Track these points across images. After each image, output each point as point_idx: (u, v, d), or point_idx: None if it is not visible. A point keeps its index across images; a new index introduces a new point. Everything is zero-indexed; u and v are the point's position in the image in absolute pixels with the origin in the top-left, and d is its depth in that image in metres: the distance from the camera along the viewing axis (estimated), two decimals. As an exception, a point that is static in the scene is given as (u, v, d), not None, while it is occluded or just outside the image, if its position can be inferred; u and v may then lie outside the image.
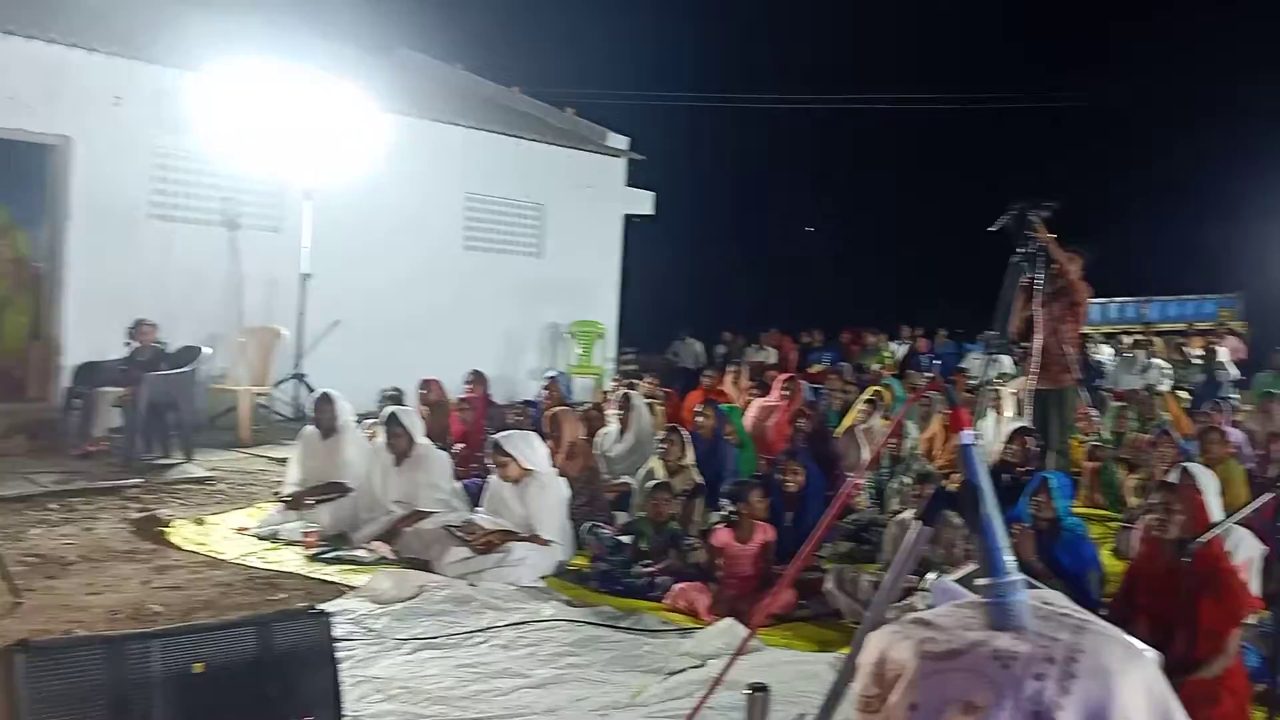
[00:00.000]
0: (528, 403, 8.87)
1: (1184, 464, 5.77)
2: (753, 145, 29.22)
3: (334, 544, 6.36)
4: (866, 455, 7.93)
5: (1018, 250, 7.23)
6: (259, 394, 10.26)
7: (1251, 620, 4.47)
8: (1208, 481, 5.28)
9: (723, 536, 5.60)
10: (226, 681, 2.90)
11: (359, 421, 7.51)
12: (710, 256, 27.51)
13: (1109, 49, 30.90)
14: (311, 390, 9.03)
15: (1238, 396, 13.08)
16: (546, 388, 8.97)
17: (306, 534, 6.34)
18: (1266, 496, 2.67)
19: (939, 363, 17.78)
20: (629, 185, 15.11)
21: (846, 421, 9.59)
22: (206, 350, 9.35)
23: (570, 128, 15.17)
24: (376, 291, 11.64)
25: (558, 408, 7.57)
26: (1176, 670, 3.88)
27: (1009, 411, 9.89)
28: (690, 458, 6.89)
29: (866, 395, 9.80)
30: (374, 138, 11.14)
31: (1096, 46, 31.64)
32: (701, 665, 4.51)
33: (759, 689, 1.92)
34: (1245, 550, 4.90)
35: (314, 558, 6.14)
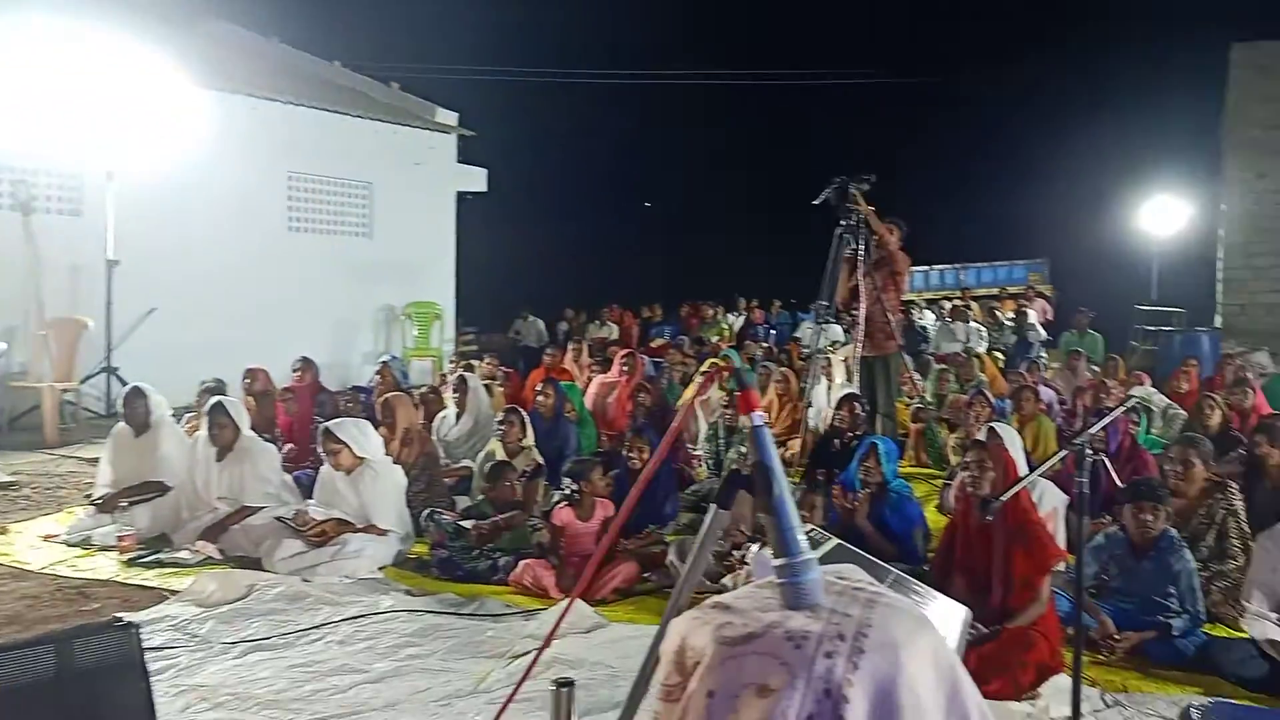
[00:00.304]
0: (358, 389, 8.59)
1: (992, 423, 6.10)
2: (588, 121, 29.17)
3: (153, 547, 5.99)
4: (704, 427, 8.05)
5: (840, 222, 7.51)
6: (65, 390, 9.55)
7: (1060, 568, 4.78)
8: (1014, 439, 5.62)
9: (564, 515, 5.57)
10: (23, 706, 2.66)
11: (177, 416, 7.09)
12: (548, 233, 27.36)
13: (922, 26, 32.35)
14: (124, 384, 8.46)
15: (1046, 356, 13.99)
16: (379, 373, 8.71)
17: (122, 538, 5.94)
18: (1063, 453, 2.82)
19: (774, 332, 18.38)
20: (461, 162, 14.79)
21: (686, 394, 9.72)
22: (1, 345, 8.63)
23: (397, 103, 14.72)
24: (195, 277, 11.04)
25: (391, 393, 7.35)
26: (995, 619, 4.13)
27: (839, 378, 10.25)
28: (530, 438, 6.81)
29: (704, 368, 9.96)
30: (185, 115, 10.51)
31: (911, 24, 33.09)
32: (546, 647, 4.48)
33: (565, 684, 1.88)
34: (1050, 501, 5.23)
35: (131, 562, 5.77)
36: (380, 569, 5.71)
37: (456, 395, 7.97)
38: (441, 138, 14.40)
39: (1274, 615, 4.05)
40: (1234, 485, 5.28)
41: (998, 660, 3.88)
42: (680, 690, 1.35)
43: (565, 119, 28.08)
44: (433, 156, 14.21)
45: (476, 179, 15.00)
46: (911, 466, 8.63)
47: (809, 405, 8.63)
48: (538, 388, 8.14)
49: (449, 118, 14.57)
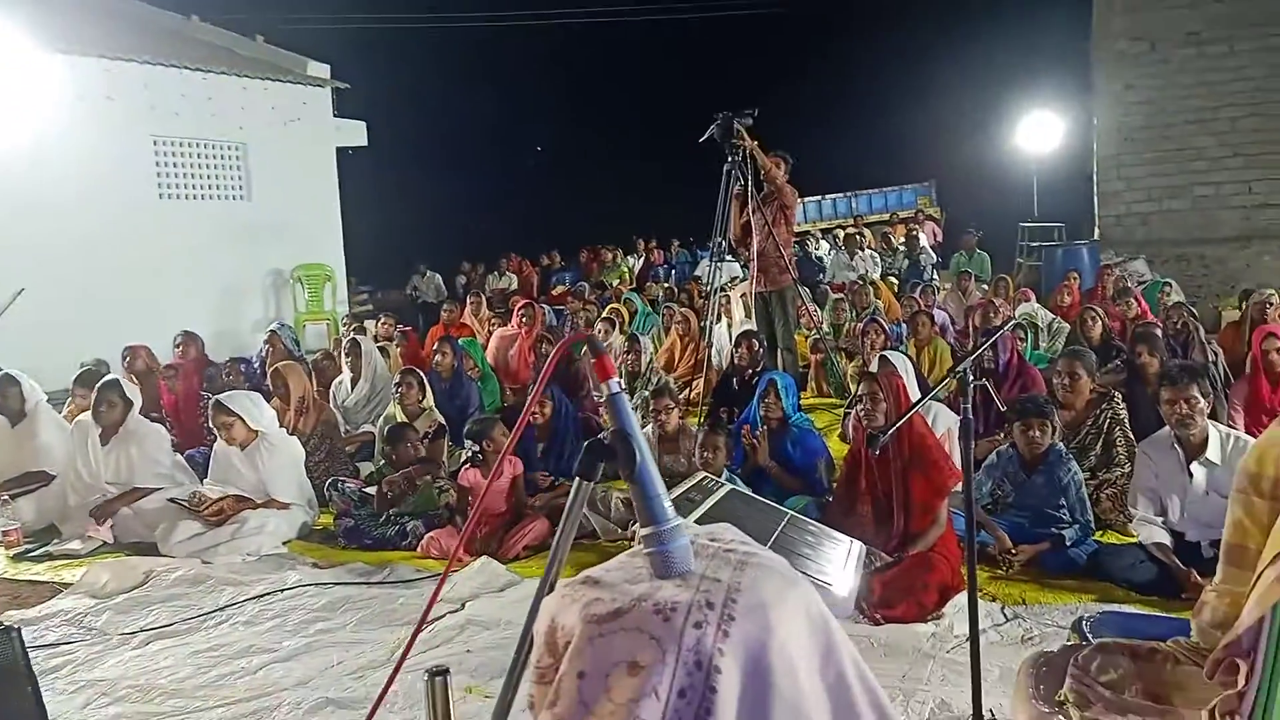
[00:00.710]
0: (244, 360, 8.28)
1: (883, 352, 6.20)
2: (470, 67, 28.45)
3: (40, 539, 5.80)
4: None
5: (728, 158, 7.49)
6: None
7: (958, 489, 4.91)
8: (906, 365, 5.73)
9: (470, 475, 5.49)
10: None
11: (57, 402, 6.75)
12: (438, 184, 26.76)
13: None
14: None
15: (938, 278, 14.32)
16: (268, 341, 8.40)
17: (6, 532, 5.72)
18: (945, 380, 2.85)
19: (674, 272, 18.40)
20: (337, 116, 14.25)
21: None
22: None
23: (264, 57, 14.04)
24: (63, 255, 10.45)
25: (281, 362, 7.11)
26: (899, 544, 4.23)
27: (738, 315, 10.32)
28: (429, 398, 6.68)
29: (604, 314, 9.91)
30: (34, 80, 9.84)
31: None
32: (459, 609, 4.44)
33: (439, 673, 1.83)
34: (944, 423, 5.36)
35: (19, 557, 5.56)
36: (284, 544, 5.59)
37: (350, 359, 7.76)
38: (315, 92, 13.81)
39: (1158, 519, 4.22)
40: (1118, 394, 5.48)
41: (901, 584, 3.97)
42: (553, 672, 1.32)
43: (445, 66, 27.36)
44: (307, 112, 13.63)
45: (356, 133, 14.50)
46: (814, 397, 8.76)
47: (710, 344, 8.67)
48: (435, 346, 7.97)
49: (321, 70, 13.97)
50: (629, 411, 1.49)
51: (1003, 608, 4.05)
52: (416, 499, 5.70)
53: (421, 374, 6.76)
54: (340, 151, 14.43)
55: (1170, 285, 10.09)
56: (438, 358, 7.71)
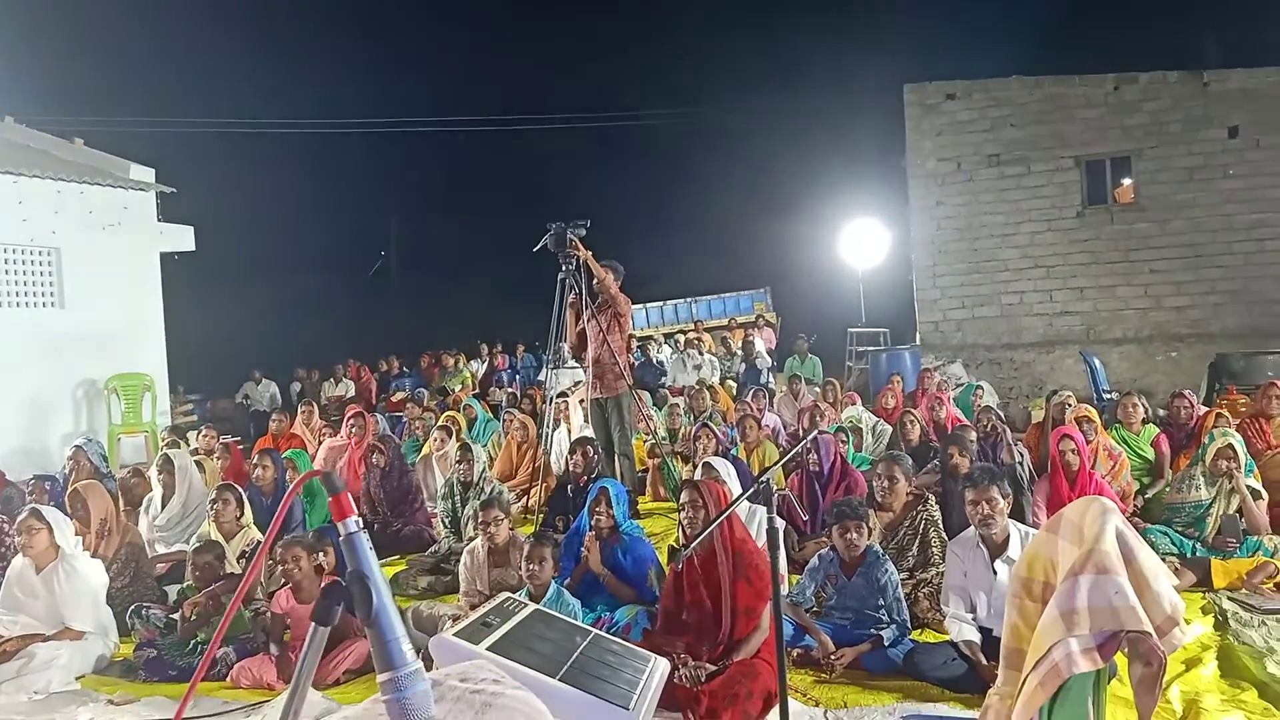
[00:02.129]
0: (41, 477, 7.69)
1: (707, 459, 6.30)
2: (309, 171, 28.10)
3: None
4: (440, 482, 7.83)
5: (562, 267, 7.60)
6: None
7: (782, 592, 4.96)
8: (730, 471, 5.83)
9: (284, 600, 5.20)
10: None
11: None
12: (273, 289, 26.04)
13: (643, 70, 33.69)
14: None
15: (774, 382, 14.77)
16: (72, 458, 7.84)
17: None
18: (749, 491, 2.90)
19: (518, 377, 18.33)
20: (163, 220, 13.72)
21: (425, 449, 9.45)
22: None
23: (82, 160, 13.48)
24: None
25: (83, 481, 6.63)
26: (725, 652, 4.22)
27: (577, 421, 10.31)
28: (249, 515, 6.34)
29: (440, 422, 9.73)
30: None
31: (634, 68, 34.37)
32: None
33: None
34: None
35: None
36: (77, 679, 5.13)
37: (162, 476, 7.30)
38: (137, 195, 13.28)
39: (969, 617, 4.36)
40: (932, 496, 5.71)
41: (726, 693, 3.94)
42: None
43: (283, 170, 26.94)
44: (128, 216, 13.06)
45: (183, 238, 13.96)
46: (652, 502, 8.80)
47: (548, 451, 8.62)
48: (255, 459, 7.62)
49: (145, 174, 13.48)
50: (367, 552, 1.43)
51: (825, 712, 4.08)
52: (228, 625, 5.34)
53: (239, 490, 6.41)
54: (166, 257, 13.86)
55: (983, 387, 10.69)
56: (258, 471, 7.39)
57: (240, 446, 10.25)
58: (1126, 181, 14.73)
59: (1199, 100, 13.98)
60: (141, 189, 13.31)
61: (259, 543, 6.20)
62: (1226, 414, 7.09)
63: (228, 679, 4.97)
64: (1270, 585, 5.22)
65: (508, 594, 2.60)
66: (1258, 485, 5.93)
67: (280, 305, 25.90)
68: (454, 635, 2.13)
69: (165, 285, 13.75)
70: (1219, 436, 5.82)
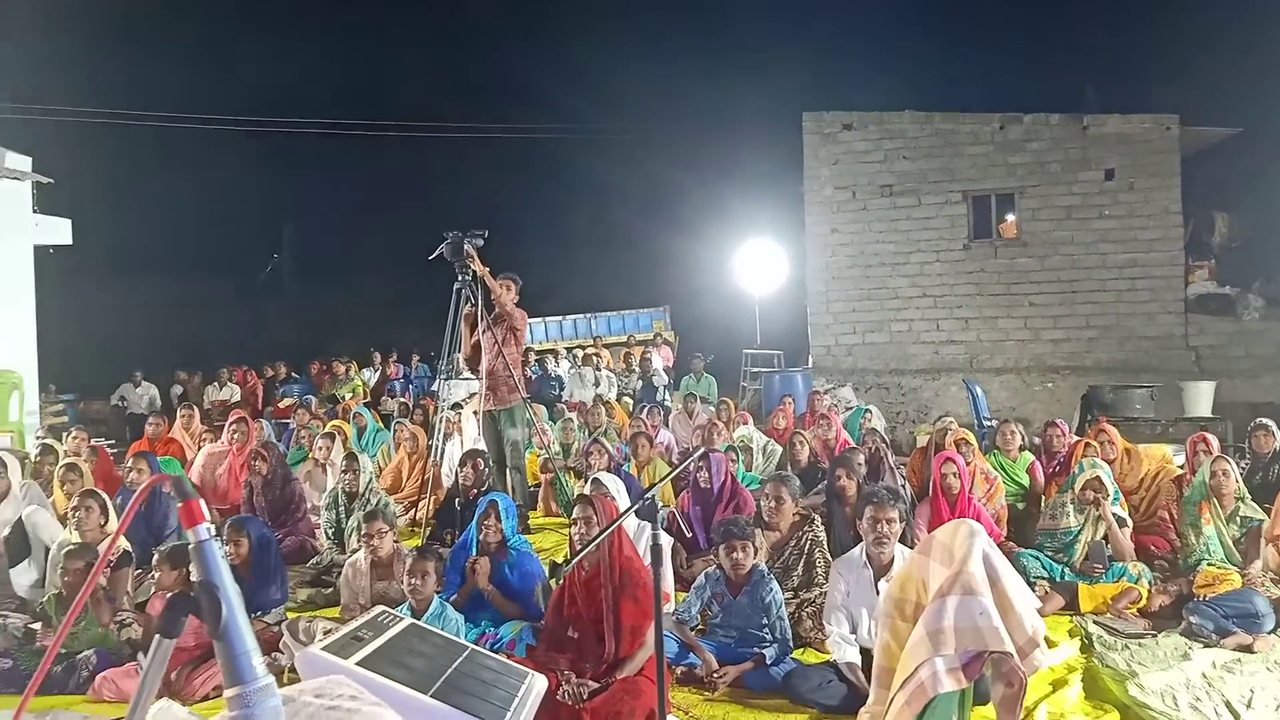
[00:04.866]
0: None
1: (597, 474, 6.30)
2: (196, 167, 27.14)
3: None
4: (326, 491, 7.63)
5: (459, 277, 7.51)
6: None
7: (668, 609, 4.97)
8: (618, 487, 5.84)
9: (158, 605, 4.98)
10: None
11: None
12: (155, 287, 25.02)
13: (545, 85, 33.68)
14: None
15: (670, 399, 14.86)
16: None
17: None
18: (632, 508, 2.90)
19: (412, 387, 18.01)
20: (38, 211, 13.09)
21: (311, 456, 9.19)
22: None
23: (-46, 147, 12.79)
24: None
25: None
26: (610, 669, 4.20)
27: (470, 433, 10.18)
28: (114, 522, 6.05)
29: (325, 429, 9.49)
30: None
31: (537, 82, 34.32)
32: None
33: None
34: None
35: None
36: (-75, 691, 4.81)
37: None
38: (11, 184, 12.63)
39: (851, 637, 4.42)
40: (818, 517, 5.80)
41: (609, 710, 3.93)
42: None
43: (167, 165, 25.97)
44: (1, 205, 12.43)
45: (59, 231, 13.33)
46: (544, 517, 8.73)
47: (439, 463, 8.48)
48: (130, 463, 7.30)
49: (21, 163, 12.83)
50: (216, 561, 1.37)
51: (707, 731, 4.09)
52: (91, 635, 5.09)
53: (104, 496, 6.12)
54: (41, 250, 13.21)
55: (871, 411, 10.95)
56: (133, 475, 7.09)
57: (113, 451, 9.81)
58: (1010, 217, 15.34)
59: (1078, 143, 14.66)
60: (16, 178, 12.67)
61: (124, 550, 5.91)
62: (1096, 444, 7.42)
63: (89, 691, 4.73)
64: (1133, 610, 5.46)
65: (383, 608, 2.53)
66: (1124, 514, 6.20)
67: (163, 305, 24.92)
68: (323, 650, 2.06)
69: (39, 279, 13.12)
70: (1088, 467, 6.07)
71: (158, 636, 1.38)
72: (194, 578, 1.34)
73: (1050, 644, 4.21)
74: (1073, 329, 14.74)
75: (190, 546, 1.35)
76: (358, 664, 1.97)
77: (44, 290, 13.22)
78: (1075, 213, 14.67)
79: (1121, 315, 14.54)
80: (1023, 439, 8.01)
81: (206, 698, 4.64)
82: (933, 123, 15.33)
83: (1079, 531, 5.93)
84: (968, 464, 6.57)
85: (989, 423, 11.35)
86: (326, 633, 4.76)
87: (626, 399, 14.82)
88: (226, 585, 1.32)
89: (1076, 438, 8.15)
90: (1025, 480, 7.64)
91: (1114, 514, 5.95)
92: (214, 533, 1.33)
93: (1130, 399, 11.32)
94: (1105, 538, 5.88)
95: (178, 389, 17.92)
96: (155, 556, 5.12)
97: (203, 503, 1.34)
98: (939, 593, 1.88)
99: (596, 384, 15.43)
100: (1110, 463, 7.04)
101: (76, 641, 5.08)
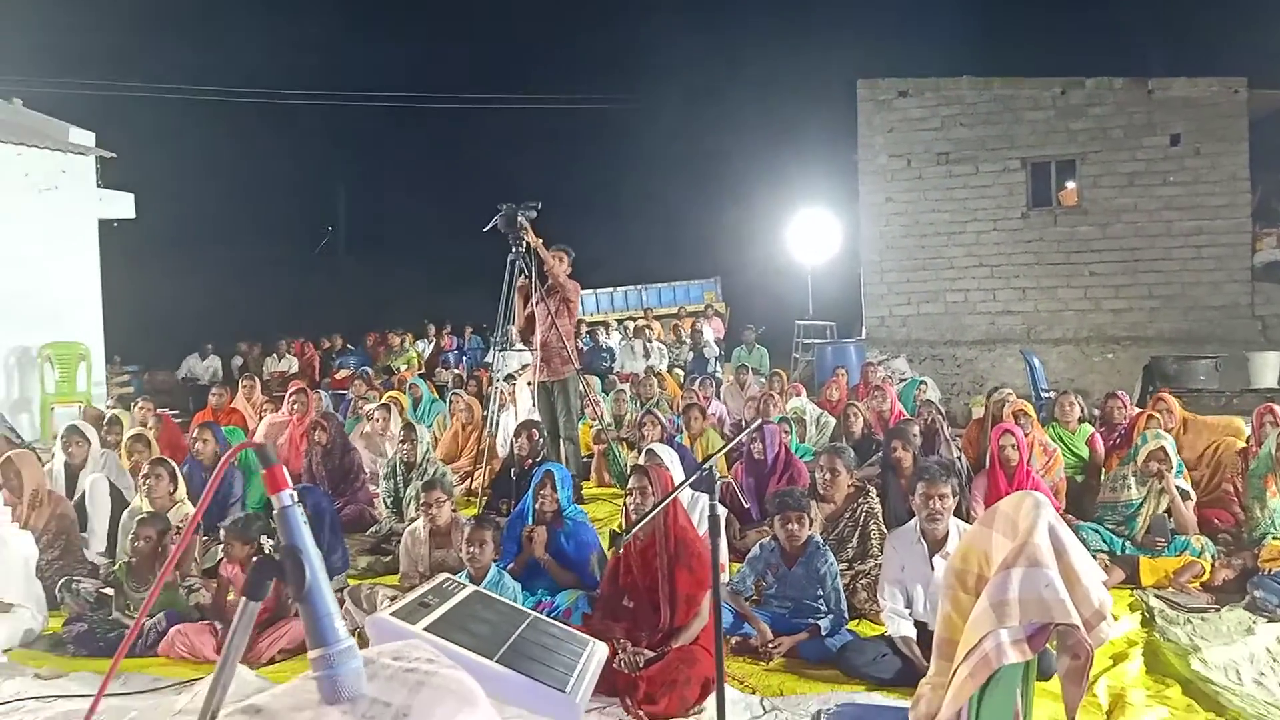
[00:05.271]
0: (-24, 449, 7.48)
1: (651, 445, 6.32)
2: (256, 142, 27.51)
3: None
4: (383, 464, 7.76)
5: (513, 249, 7.55)
6: None
7: (723, 580, 4.99)
8: (674, 458, 5.85)
9: (231, 569, 5.13)
10: None
11: None
12: (216, 260, 25.49)
13: (600, 54, 33.55)
14: None
15: (721, 371, 14.84)
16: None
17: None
18: (691, 478, 2.92)
19: (465, 359, 18.20)
20: (102, 186, 13.38)
21: (362, 428, 9.34)
22: None
23: (20, 121, 13.08)
24: None
25: (11, 451, 6.45)
26: (665, 638, 4.24)
27: (524, 404, 10.27)
28: (182, 490, 6.22)
29: (379, 401, 9.64)
30: None
31: (591, 52, 34.20)
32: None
33: None
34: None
35: None
36: (4, 651, 5.03)
37: (71, 449, 7.14)
38: (76, 160, 12.92)
39: (905, 611, 4.42)
40: (873, 489, 5.78)
41: (664, 679, 3.97)
42: None
43: (229, 140, 26.35)
44: (66, 180, 12.71)
45: (122, 204, 13.61)
46: (596, 488, 8.80)
47: (494, 434, 8.57)
48: (195, 433, 7.48)
49: (85, 138, 13.12)
50: (300, 525, 1.41)
51: (761, 700, 4.11)
52: (160, 598, 5.24)
53: (173, 464, 6.29)
54: (105, 223, 13.52)
55: (926, 383, 10.84)
56: (198, 445, 7.27)
57: (178, 421, 10.05)
58: (1070, 185, 15.02)
59: (1142, 107, 14.28)
60: (81, 153, 12.96)
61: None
62: (1158, 416, 7.28)
63: (158, 651, 4.88)
64: (1196, 584, 5.38)
65: (447, 575, 2.59)
66: (1187, 486, 6.09)
67: (222, 277, 25.40)
68: (390, 615, 2.11)
69: (103, 252, 13.43)
70: (1151, 438, 5.96)
71: (243, 599, 1.42)
72: (267, 544, 1.37)
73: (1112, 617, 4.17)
74: (1135, 298, 14.43)
75: (276, 512, 1.39)
76: (424, 629, 2.02)
77: (108, 263, 13.53)
78: (1139, 179, 14.32)
79: (1186, 284, 14.20)
80: (1081, 410, 7.88)
81: (272, 660, 4.77)
82: (991, 88, 15.02)
83: (1140, 504, 5.84)
84: (1026, 436, 6.48)
85: (1047, 394, 11.18)
86: (391, 599, 4.88)
87: (677, 370, 14.82)
88: (309, 549, 1.35)
89: (1138, 409, 8.01)
90: (1084, 452, 7.52)
91: (1177, 486, 5.84)
92: (296, 499, 1.37)
93: (1194, 370, 11.08)
94: (1168, 511, 5.78)
95: (238, 360, 18.29)
96: (223, 530, 5.25)
97: (285, 469, 1.38)
98: (1003, 564, 1.87)
99: (647, 355, 15.46)
100: (1168, 430, 6.90)
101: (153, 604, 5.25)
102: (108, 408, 11.41)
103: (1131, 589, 5.41)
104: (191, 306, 21.85)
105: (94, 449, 7.26)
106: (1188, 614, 4.91)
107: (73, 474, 7.17)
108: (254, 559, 1.39)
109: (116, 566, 5.68)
